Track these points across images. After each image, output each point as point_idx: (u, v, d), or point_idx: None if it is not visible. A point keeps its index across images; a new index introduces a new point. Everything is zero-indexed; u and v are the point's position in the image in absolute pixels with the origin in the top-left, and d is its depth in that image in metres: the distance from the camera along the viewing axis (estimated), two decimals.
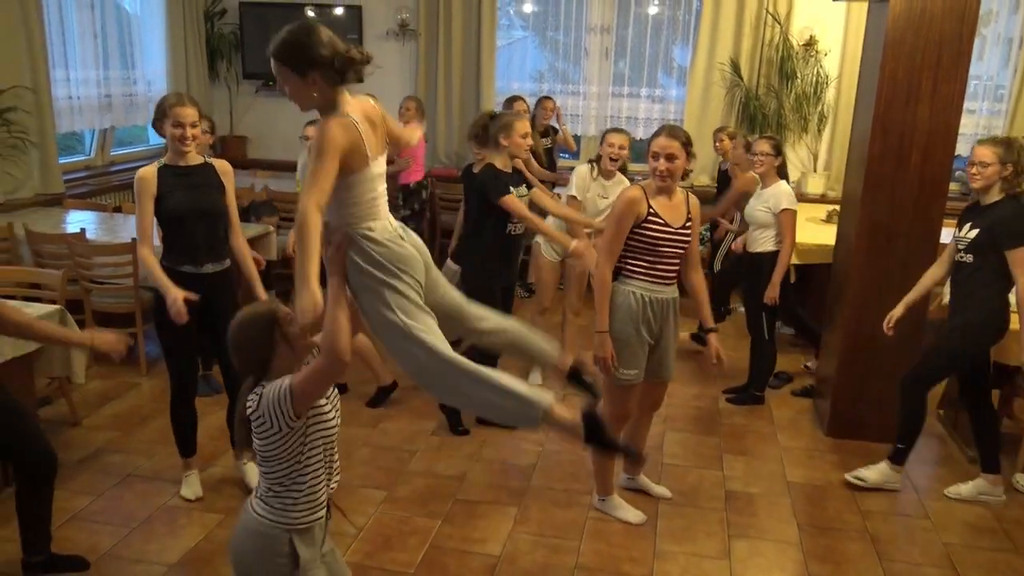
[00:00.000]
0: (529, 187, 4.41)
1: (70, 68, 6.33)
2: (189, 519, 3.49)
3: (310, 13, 7.60)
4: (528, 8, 7.82)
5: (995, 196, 3.70)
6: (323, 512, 2.26)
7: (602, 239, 3.40)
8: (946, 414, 4.65)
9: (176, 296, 3.22)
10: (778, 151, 4.66)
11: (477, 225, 4.21)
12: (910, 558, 3.43)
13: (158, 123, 3.43)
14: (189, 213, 3.37)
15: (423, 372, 2.38)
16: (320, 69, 2.23)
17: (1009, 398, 4.29)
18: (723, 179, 6.11)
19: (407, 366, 2.40)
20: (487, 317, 2.60)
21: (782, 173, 4.72)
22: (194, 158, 3.45)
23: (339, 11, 7.66)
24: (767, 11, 6.97)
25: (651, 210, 3.27)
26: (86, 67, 6.48)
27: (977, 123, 6.89)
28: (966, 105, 4.15)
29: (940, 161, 4.06)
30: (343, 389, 4.69)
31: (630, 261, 3.33)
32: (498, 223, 4.12)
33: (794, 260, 4.90)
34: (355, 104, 2.33)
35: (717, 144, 6.24)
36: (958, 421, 4.46)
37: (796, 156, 7.23)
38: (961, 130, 4.20)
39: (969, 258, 3.71)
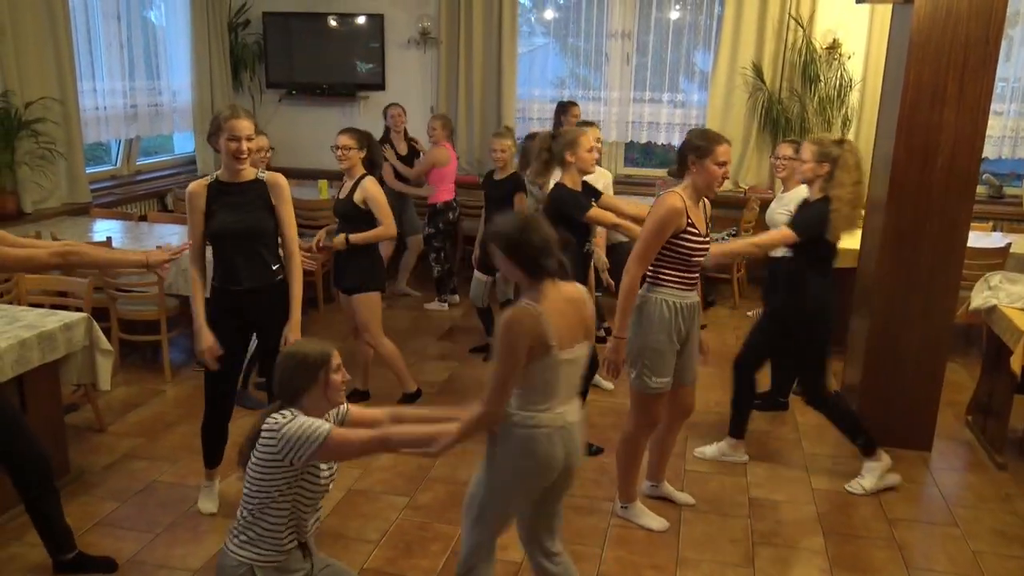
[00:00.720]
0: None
1: (97, 79, 6.42)
2: (212, 525, 3.51)
3: (332, 23, 7.67)
4: (549, 15, 7.83)
5: (816, 194, 3.77)
6: (286, 556, 2.34)
7: (637, 244, 3.33)
8: (974, 420, 4.58)
9: (205, 344, 3.28)
10: None
11: None
12: (938, 566, 3.37)
13: (213, 138, 3.30)
14: (230, 233, 3.31)
15: (469, 542, 2.64)
16: (521, 264, 2.40)
17: None
18: None
19: (467, 517, 2.64)
20: (557, 539, 2.69)
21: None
22: (247, 174, 3.35)
23: (361, 20, 7.71)
24: (790, 15, 6.93)
25: (689, 220, 3.24)
26: (112, 78, 6.58)
27: (1005, 125, 6.80)
28: (993, 107, 4.10)
29: (966, 164, 4.01)
30: (365, 396, 4.70)
31: (663, 270, 3.31)
32: (579, 242, 4.10)
33: None
34: (554, 292, 2.43)
35: None
36: (986, 427, 4.39)
37: None
38: (989, 132, 4.15)
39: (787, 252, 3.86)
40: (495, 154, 5.31)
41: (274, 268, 3.42)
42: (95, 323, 3.85)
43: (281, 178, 3.42)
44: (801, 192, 4.56)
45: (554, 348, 2.37)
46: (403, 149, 6.66)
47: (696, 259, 3.30)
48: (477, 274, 5.42)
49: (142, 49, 6.89)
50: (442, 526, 3.54)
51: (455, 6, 7.51)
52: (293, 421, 2.20)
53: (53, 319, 3.66)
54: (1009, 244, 5.42)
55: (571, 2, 7.59)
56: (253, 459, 2.26)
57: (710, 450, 4.22)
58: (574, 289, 2.52)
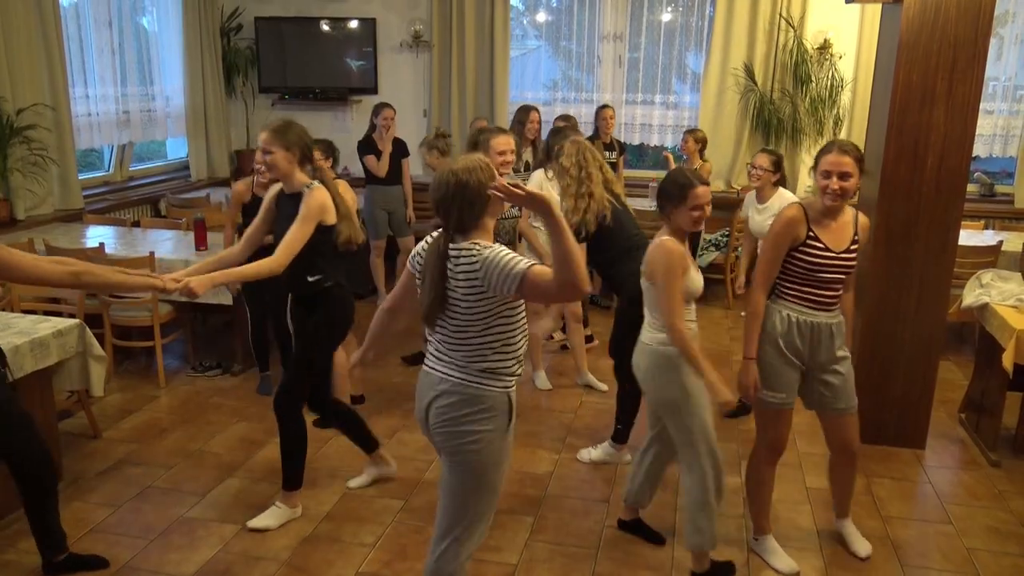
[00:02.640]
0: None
1: (89, 85, 6.43)
2: (207, 530, 3.51)
3: (325, 27, 7.68)
4: (541, 18, 7.85)
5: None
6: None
7: (758, 263, 3.14)
8: (967, 417, 4.59)
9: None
10: (777, 167, 4.64)
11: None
12: (932, 564, 3.38)
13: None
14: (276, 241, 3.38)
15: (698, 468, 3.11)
16: (672, 205, 3.05)
17: None
18: None
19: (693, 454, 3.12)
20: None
21: (780, 181, 4.74)
22: (292, 186, 3.38)
23: (354, 24, 7.72)
24: (781, 15, 6.96)
25: (811, 233, 3.02)
26: (105, 84, 6.58)
27: (995, 124, 6.84)
28: (984, 106, 4.12)
29: (956, 163, 4.02)
30: (360, 400, 4.69)
31: (784, 283, 3.11)
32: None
33: None
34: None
35: (683, 145, 6.41)
36: (979, 425, 4.41)
37: (812, 160, 7.19)
38: (979, 131, 4.16)
39: None
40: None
41: (311, 280, 3.41)
42: (88, 329, 3.85)
43: (315, 192, 3.29)
44: (785, 197, 4.59)
45: (690, 270, 3.03)
46: (385, 147, 6.47)
47: (823, 276, 3.02)
48: None
49: (134, 55, 6.90)
50: None
51: (447, 10, 7.52)
52: (487, 264, 2.21)
53: (46, 325, 3.66)
54: (1001, 242, 5.44)
55: (563, 5, 7.62)
56: (462, 299, 2.27)
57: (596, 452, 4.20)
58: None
